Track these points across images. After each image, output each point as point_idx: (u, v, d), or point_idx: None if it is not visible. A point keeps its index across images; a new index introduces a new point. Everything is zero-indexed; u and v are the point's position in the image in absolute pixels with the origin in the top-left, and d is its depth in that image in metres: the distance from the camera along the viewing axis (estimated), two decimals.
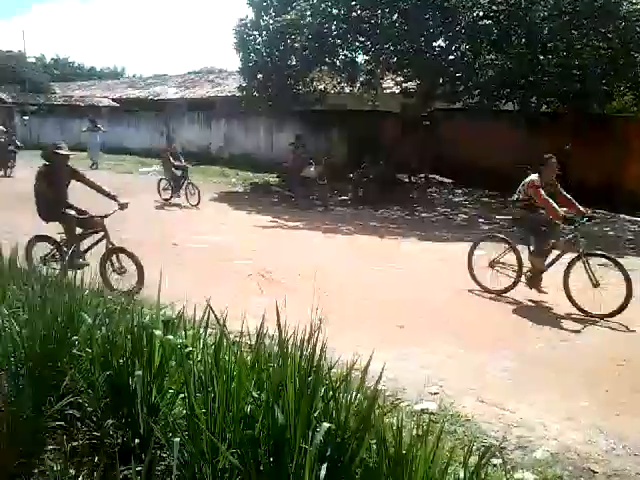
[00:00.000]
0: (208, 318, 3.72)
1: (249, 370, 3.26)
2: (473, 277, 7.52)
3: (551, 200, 6.75)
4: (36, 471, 2.84)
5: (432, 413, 3.96)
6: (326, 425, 2.57)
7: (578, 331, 6.07)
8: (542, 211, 6.93)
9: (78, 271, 5.64)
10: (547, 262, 6.99)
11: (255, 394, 3.12)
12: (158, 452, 2.84)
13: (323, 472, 2.40)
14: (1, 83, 34.54)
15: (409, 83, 16.85)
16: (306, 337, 3.21)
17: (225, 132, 23.11)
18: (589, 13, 13.00)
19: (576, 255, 6.67)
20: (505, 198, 15.28)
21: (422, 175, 17.67)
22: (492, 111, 15.51)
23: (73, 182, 7.11)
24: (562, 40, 13.47)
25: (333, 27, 15.41)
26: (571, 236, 6.82)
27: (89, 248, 6.99)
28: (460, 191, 16.75)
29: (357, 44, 16.23)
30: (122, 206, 6.89)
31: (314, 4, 14.68)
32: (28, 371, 3.23)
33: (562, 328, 6.16)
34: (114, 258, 6.75)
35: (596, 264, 6.65)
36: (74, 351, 3.49)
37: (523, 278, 7.13)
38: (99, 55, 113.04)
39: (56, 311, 3.67)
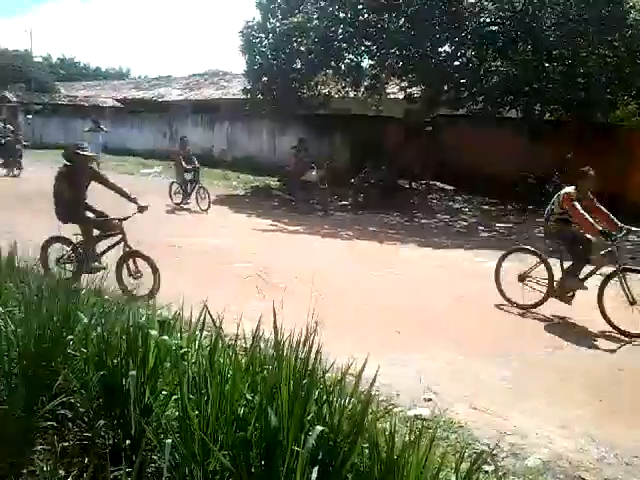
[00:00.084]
0: (204, 320, 3.72)
1: (243, 372, 3.25)
2: (500, 291, 7.22)
3: (587, 214, 6.45)
4: (25, 471, 2.82)
5: (425, 419, 3.94)
6: (319, 428, 2.56)
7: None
8: (578, 226, 6.64)
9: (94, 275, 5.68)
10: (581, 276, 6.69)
11: (249, 396, 3.11)
12: (149, 454, 2.83)
13: (314, 475, 2.39)
14: (7, 82, 34.67)
15: (413, 89, 16.85)
16: (302, 340, 3.21)
17: (228, 135, 23.15)
18: (596, 21, 12.98)
19: (612, 270, 6.39)
20: (505, 206, 15.35)
21: (423, 181, 17.66)
22: (495, 118, 15.51)
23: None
24: (568, 48, 13.47)
25: (339, 31, 15.44)
26: (608, 250, 6.46)
27: (105, 251, 6.92)
28: (461, 198, 16.75)
29: (363, 48, 16.24)
30: (141, 209, 6.83)
31: (321, 7, 14.72)
32: (21, 370, 3.22)
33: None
34: (130, 262, 6.68)
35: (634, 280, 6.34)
36: (69, 350, 3.49)
37: (554, 293, 6.85)
38: (105, 56, 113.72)
39: (52, 310, 3.65)
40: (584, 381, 4.97)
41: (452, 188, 17.43)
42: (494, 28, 14.25)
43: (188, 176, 14.08)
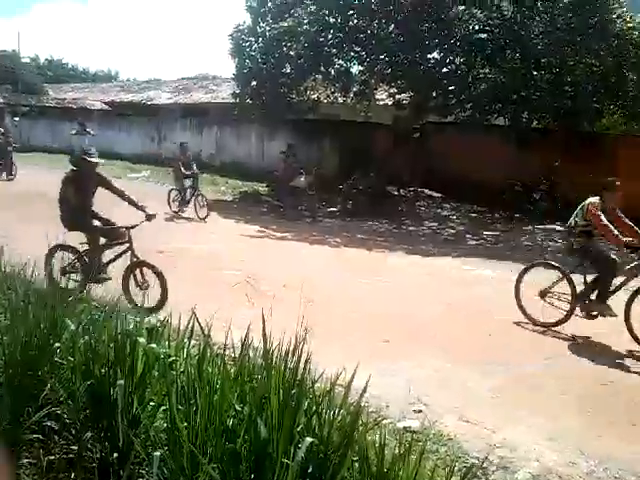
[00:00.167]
0: (193, 328, 3.70)
1: (232, 382, 3.23)
2: (521, 308, 6.93)
3: (612, 226, 6.25)
4: None
5: (415, 432, 3.93)
6: (309, 440, 2.54)
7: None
8: (603, 239, 6.44)
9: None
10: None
11: (238, 407, 3.09)
12: (137, 467, 2.80)
13: None
14: None
15: (402, 95, 16.93)
16: (291, 349, 3.19)
17: (217, 139, 23.09)
18: (583, 30, 13.14)
19: None
20: (493, 214, 15.42)
21: (411, 188, 17.71)
22: (483, 125, 15.61)
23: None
24: (555, 56, 13.60)
25: (329, 36, 15.48)
26: (636, 263, 6.27)
27: (112, 260, 6.74)
28: (449, 205, 16.80)
29: (352, 54, 16.29)
30: (149, 217, 6.68)
31: (312, 12, 14.72)
32: (7, 380, 3.17)
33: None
34: (137, 272, 6.50)
35: None
36: (56, 359, 3.45)
37: (578, 310, 6.58)
38: (93, 57, 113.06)
39: (39, 317, 3.61)
40: (576, 393, 4.98)
41: (440, 195, 17.50)
42: (483, 36, 14.35)
43: (187, 183, 13.73)
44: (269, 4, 16.31)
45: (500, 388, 4.98)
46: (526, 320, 6.84)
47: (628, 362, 5.82)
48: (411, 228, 14.04)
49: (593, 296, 6.51)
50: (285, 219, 13.91)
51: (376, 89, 17.74)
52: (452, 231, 13.88)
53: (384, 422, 3.65)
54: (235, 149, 22.30)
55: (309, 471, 2.55)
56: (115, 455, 2.85)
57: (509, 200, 14.92)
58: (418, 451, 2.61)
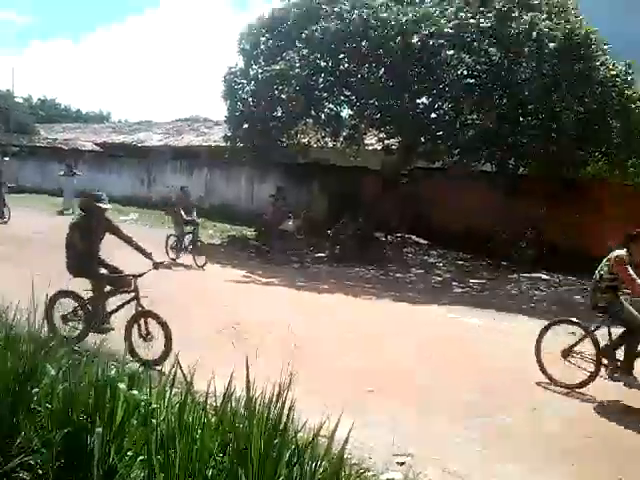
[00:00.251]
0: (175, 375, 3.64)
1: (213, 431, 3.18)
2: (541, 367, 6.59)
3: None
4: None
5: None
6: None
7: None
8: (631, 294, 6.17)
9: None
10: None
11: (218, 457, 3.03)
12: None
13: None
14: None
15: (391, 140, 17.14)
16: (274, 398, 3.15)
17: (207, 182, 23.21)
18: (568, 77, 13.38)
19: None
20: (479, 261, 15.49)
21: (399, 234, 17.76)
22: (471, 172, 15.79)
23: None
24: (542, 102, 13.83)
25: (320, 79, 15.73)
26: None
27: (116, 310, 6.53)
28: (435, 252, 16.82)
29: (342, 97, 16.52)
30: (157, 265, 6.56)
31: (303, 55, 14.98)
32: None
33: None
34: (142, 322, 6.26)
35: None
36: (33, 405, 3.37)
37: (603, 370, 6.24)
38: (86, 98, 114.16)
39: (19, 361, 3.55)
40: (560, 445, 4.92)
41: (427, 242, 17.56)
42: (471, 80, 14.62)
43: (187, 229, 13.38)
44: (261, 47, 16.57)
45: (483, 440, 4.90)
46: (547, 380, 6.50)
47: None
48: (398, 275, 13.99)
49: (619, 352, 6.23)
50: (272, 264, 13.85)
51: (365, 134, 17.97)
52: (439, 278, 13.86)
53: (367, 474, 3.58)
54: (224, 192, 22.41)
55: None
56: None
57: (495, 248, 14.98)
58: None
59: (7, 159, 28.59)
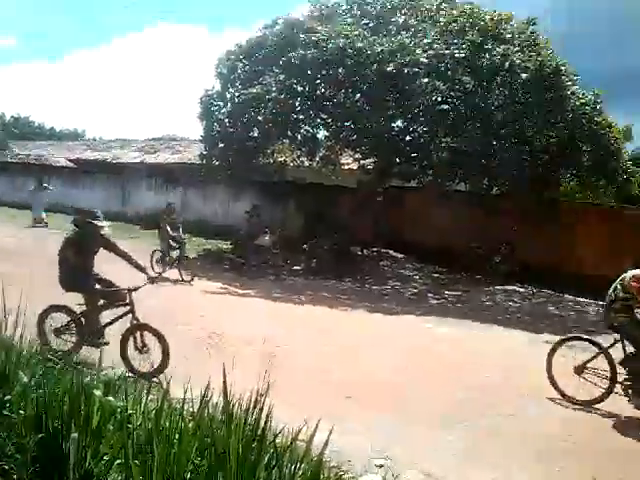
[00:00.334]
0: (151, 382, 3.63)
1: (191, 436, 3.15)
2: (553, 384, 6.53)
3: None
4: None
5: None
6: None
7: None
8: None
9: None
10: None
11: (197, 461, 3.01)
12: None
13: None
14: None
15: (367, 160, 17.34)
16: (252, 404, 3.16)
17: (183, 198, 23.11)
18: (540, 104, 13.84)
19: None
20: (454, 274, 15.70)
21: (375, 249, 17.89)
22: (445, 191, 16.03)
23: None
24: (514, 127, 14.23)
25: (297, 103, 15.91)
26: None
27: (110, 323, 6.48)
28: (411, 266, 16.97)
29: (319, 120, 16.71)
30: (152, 280, 6.60)
31: (280, 80, 15.16)
32: None
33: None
34: (138, 335, 6.24)
35: None
36: (5, 412, 3.31)
37: (618, 387, 6.21)
38: (60, 116, 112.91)
39: None
40: (537, 446, 4.99)
41: (402, 256, 17.70)
42: (445, 107, 14.92)
43: (174, 245, 13.38)
44: (238, 71, 16.74)
45: (462, 443, 4.95)
46: (559, 396, 6.45)
47: None
48: (374, 287, 14.10)
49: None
50: (248, 277, 13.86)
51: (341, 154, 18.16)
52: (415, 290, 13.99)
53: (346, 477, 3.59)
54: (201, 208, 22.34)
55: None
56: None
57: (470, 263, 15.24)
58: None
59: None
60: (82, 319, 6.43)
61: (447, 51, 14.17)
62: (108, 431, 3.17)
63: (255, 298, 11.54)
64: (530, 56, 14.15)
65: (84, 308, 6.46)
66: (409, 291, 13.89)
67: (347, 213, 17.34)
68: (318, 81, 15.46)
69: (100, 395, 3.37)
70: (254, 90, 15.03)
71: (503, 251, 15.17)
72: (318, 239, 15.70)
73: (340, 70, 14.74)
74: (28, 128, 58.90)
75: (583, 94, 14.70)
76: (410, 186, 17.39)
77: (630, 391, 6.15)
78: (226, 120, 16.66)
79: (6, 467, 2.98)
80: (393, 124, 15.98)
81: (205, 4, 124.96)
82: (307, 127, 16.89)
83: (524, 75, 13.70)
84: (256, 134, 16.47)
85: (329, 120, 16.36)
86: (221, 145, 16.88)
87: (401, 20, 15.89)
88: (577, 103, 14.27)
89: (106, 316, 6.60)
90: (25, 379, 3.58)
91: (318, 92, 15.78)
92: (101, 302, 6.53)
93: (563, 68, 14.40)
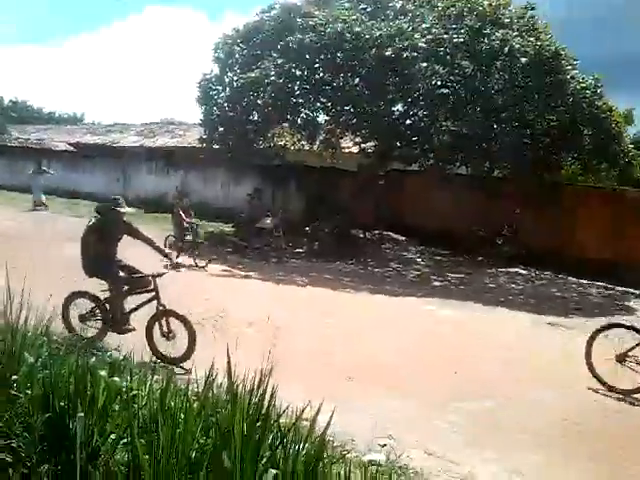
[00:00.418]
0: (156, 362, 3.66)
1: (196, 416, 3.18)
2: (592, 372, 6.38)
3: None
4: None
5: (380, 465, 3.90)
6: (273, 472, 2.52)
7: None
8: None
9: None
10: None
11: (201, 440, 3.04)
12: None
13: None
14: None
15: (367, 144, 17.29)
16: (256, 384, 3.18)
17: (183, 181, 23.06)
18: (540, 88, 13.81)
19: None
20: (457, 257, 15.73)
21: (377, 231, 17.90)
22: (446, 174, 16.02)
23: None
24: (515, 111, 14.18)
25: (296, 87, 15.83)
26: None
27: (135, 309, 6.50)
28: (414, 248, 16.98)
29: (318, 104, 16.64)
30: (177, 265, 6.66)
31: (278, 64, 15.08)
32: None
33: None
34: (163, 321, 6.25)
35: None
36: (12, 392, 3.34)
37: None
38: (59, 101, 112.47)
39: None
40: (533, 427, 5.03)
41: (405, 239, 17.70)
42: (445, 91, 14.85)
43: (187, 229, 13.40)
44: (236, 56, 16.63)
45: (465, 424, 5.00)
46: (600, 386, 6.29)
47: None
48: (376, 269, 14.14)
49: None
50: (251, 259, 13.91)
51: (341, 138, 18.11)
52: (417, 272, 14.04)
53: (349, 456, 3.63)
54: (202, 191, 22.29)
55: None
56: None
57: (473, 245, 15.26)
58: None
59: None
60: (106, 305, 6.45)
61: (446, 36, 14.12)
62: (114, 411, 3.20)
63: (258, 280, 11.59)
64: (529, 41, 14.07)
65: (108, 294, 6.47)
66: (411, 273, 13.94)
67: (348, 196, 17.33)
68: (317, 65, 15.38)
69: (105, 375, 3.40)
70: (252, 74, 14.95)
71: (505, 233, 15.20)
72: (320, 222, 15.70)
73: (339, 54, 14.69)
74: (26, 112, 58.55)
75: (583, 78, 14.64)
76: (411, 170, 17.36)
77: None
78: (225, 104, 16.59)
79: (14, 445, 3.01)
80: (393, 108, 15.93)
81: None
82: (307, 111, 16.80)
83: (523, 59, 13.66)
84: (256, 118, 16.42)
85: (329, 104, 16.29)
86: (221, 129, 16.84)
87: (398, 5, 15.93)
88: (577, 87, 14.22)
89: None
90: (31, 359, 3.61)
91: (317, 76, 15.69)
92: (125, 288, 6.53)
93: (562, 52, 14.34)
